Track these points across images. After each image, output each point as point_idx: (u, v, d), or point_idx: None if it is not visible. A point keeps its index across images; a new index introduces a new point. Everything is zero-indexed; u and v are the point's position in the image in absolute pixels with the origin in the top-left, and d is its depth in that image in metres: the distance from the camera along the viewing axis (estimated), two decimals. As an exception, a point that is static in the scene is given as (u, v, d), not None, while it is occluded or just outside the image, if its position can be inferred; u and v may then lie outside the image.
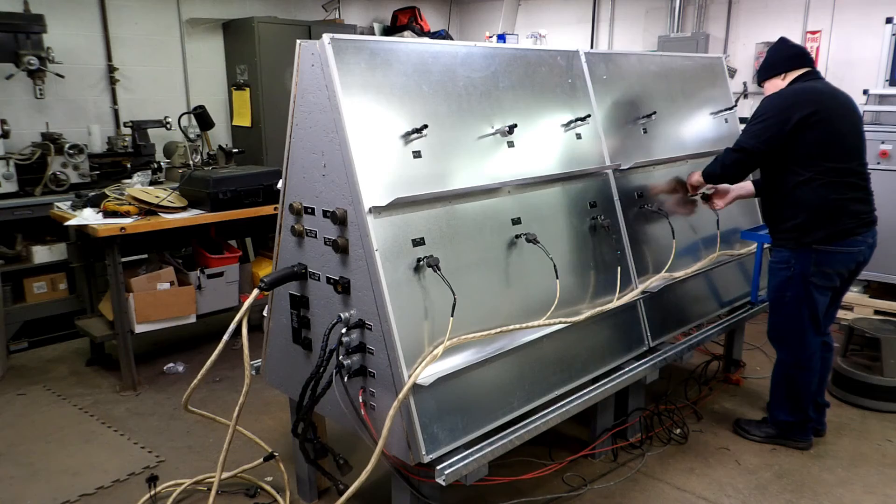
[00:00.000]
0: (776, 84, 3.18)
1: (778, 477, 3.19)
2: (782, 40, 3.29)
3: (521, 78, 2.84)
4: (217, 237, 4.71)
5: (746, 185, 3.53)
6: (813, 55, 5.72)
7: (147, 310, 4.12)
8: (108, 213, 3.99)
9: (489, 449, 2.32)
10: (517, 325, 2.52)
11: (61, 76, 5.05)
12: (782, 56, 3.20)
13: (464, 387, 2.37)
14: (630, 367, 3.03)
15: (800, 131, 2.96)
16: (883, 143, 4.38)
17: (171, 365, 4.42)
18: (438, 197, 2.39)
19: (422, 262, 2.28)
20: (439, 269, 2.28)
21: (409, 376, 2.17)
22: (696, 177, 3.42)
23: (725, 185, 3.51)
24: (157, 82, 5.95)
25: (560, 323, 2.68)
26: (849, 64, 5.56)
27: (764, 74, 3.26)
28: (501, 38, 7.07)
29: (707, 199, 3.58)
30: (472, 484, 2.31)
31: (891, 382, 3.77)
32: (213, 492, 2.70)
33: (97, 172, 5.10)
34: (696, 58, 4.20)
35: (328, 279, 2.41)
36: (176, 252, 4.86)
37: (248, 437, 3.10)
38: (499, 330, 2.47)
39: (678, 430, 3.51)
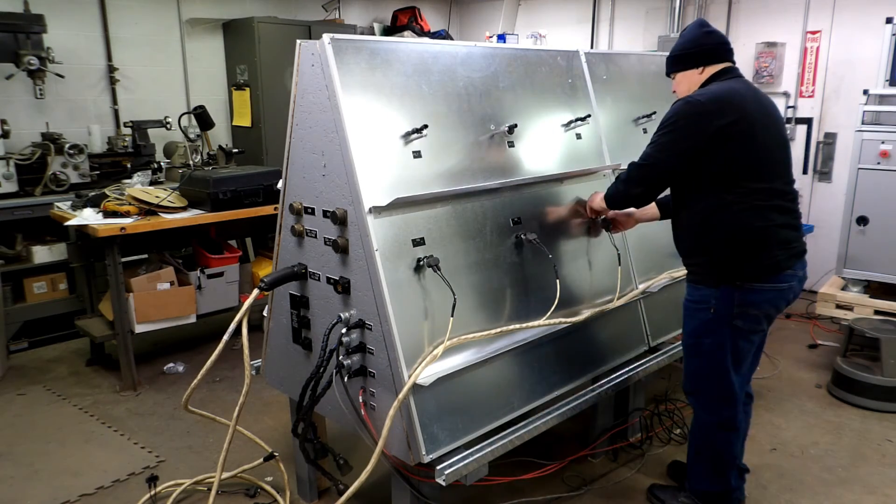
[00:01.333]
0: (690, 79, 2.62)
1: (778, 477, 3.18)
2: (701, 24, 2.66)
3: (521, 78, 2.84)
4: (217, 237, 4.71)
5: (649, 209, 2.94)
6: (813, 55, 5.73)
7: (147, 310, 4.12)
8: (108, 213, 3.99)
9: (489, 449, 2.32)
10: (517, 325, 2.53)
11: (61, 76, 5.05)
12: (702, 45, 2.60)
13: (464, 387, 2.37)
14: (630, 367, 3.03)
15: (720, 144, 2.38)
16: (883, 143, 4.38)
17: (171, 365, 4.42)
18: (438, 197, 2.39)
19: (422, 262, 2.28)
20: (439, 269, 2.28)
21: (409, 376, 2.17)
22: (598, 200, 2.83)
23: (626, 210, 2.92)
24: (157, 82, 5.95)
25: (560, 323, 2.68)
26: (849, 64, 5.56)
27: (676, 65, 2.68)
28: (501, 38, 7.06)
29: (608, 225, 3.00)
30: (472, 484, 2.30)
31: (891, 382, 3.77)
32: (213, 492, 2.70)
33: (97, 172, 5.09)
34: (696, 58, 4.19)
35: (328, 279, 2.41)
36: (176, 252, 4.85)
37: (248, 437, 3.10)
38: (499, 330, 2.47)
39: (678, 430, 3.51)
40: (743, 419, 2.77)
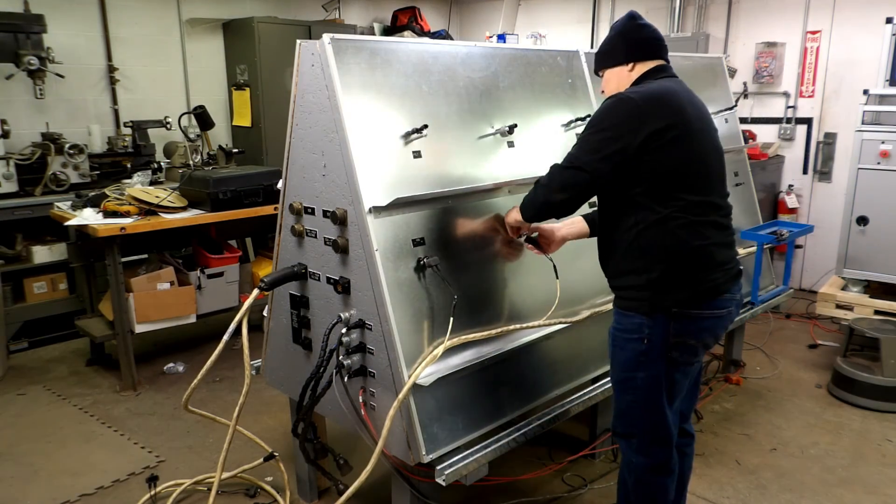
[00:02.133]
0: (620, 77, 2.33)
1: (778, 477, 3.19)
2: (633, 16, 2.36)
3: (521, 78, 2.84)
4: (217, 237, 4.71)
5: (577, 223, 2.60)
6: (813, 55, 5.73)
7: (147, 310, 4.12)
8: (108, 213, 3.99)
9: (489, 449, 2.32)
10: (517, 325, 2.52)
11: (61, 76, 5.05)
12: (633, 39, 2.33)
13: (464, 387, 2.37)
14: (630, 367, 3.03)
15: (652, 151, 2.09)
16: (883, 143, 4.38)
17: (171, 365, 4.42)
18: (438, 197, 2.39)
19: (422, 262, 2.28)
20: (439, 269, 2.28)
21: (409, 376, 2.17)
22: (515, 213, 2.42)
23: (551, 224, 2.56)
24: (157, 82, 5.95)
25: (560, 323, 2.68)
26: (849, 64, 5.56)
27: (604, 61, 2.39)
28: (501, 38, 7.05)
29: (534, 243, 2.57)
30: (472, 484, 2.30)
31: (891, 382, 3.77)
32: (213, 492, 2.70)
33: (97, 172, 5.09)
34: (696, 58, 4.20)
35: (328, 279, 2.41)
36: (176, 252, 4.86)
37: (248, 437, 3.10)
38: (499, 330, 2.47)
39: (678, 430, 3.51)
40: (678, 461, 2.42)
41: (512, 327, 2.51)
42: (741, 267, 2.34)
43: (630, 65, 2.32)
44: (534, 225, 2.52)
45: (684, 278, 2.16)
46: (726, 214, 2.30)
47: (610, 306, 2.92)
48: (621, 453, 2.43)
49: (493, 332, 2.45)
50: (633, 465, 2.36)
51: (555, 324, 2.65)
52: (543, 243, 2.58)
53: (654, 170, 2.12)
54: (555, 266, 2.63)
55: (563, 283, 2.74)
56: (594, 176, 2.13)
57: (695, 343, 2.23)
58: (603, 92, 2.39)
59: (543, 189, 2.24)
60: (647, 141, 2.09)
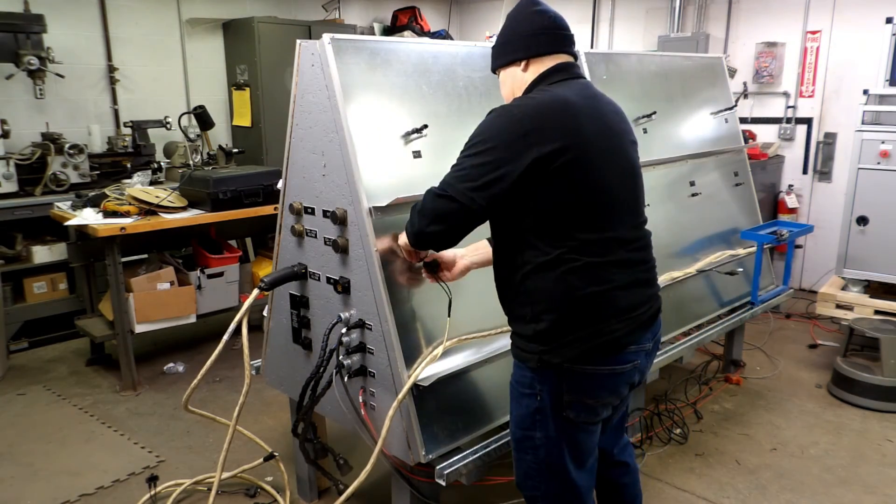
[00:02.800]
0: (514, 79, 1.98)
1: (778, 477, 3.19)
2: (531, 3, 1.94)
3: (521, 78, 2.83)
4: (217, 237, 4.71)
5: (482, 249, 2.22)
6: (813, 55, 5.73)
7: (147, 310, 4.12)
8: (108, 213, 3.99)
9: (489, 449, 2.32)
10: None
11: (61, 76, 5.05)
12: (526, 30, 1.92)
13: (464, 387, 2.37)
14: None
15: (541, 180, 1.75)
16: (883, 143, 4.38)
17: (171, 365, 4.42)
18: (438, 197, 2.38)
19: (421, 262, 2.28)
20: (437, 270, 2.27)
21: (409, 376, 2.17)
22: (404, 239, 2.04)
23: (453, 250, 2.16)
24: (157, 82, 5.95)
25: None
26: (849, 64, 5.56)
27: (497, 58, 2.02)
28: (501, 38, 7.05)
29: (433, 270, 2.18)
30: (472, 484, 2.31)
31: (891, 382, 3.77)
32: (213, 492, 2.70)
33: (97, 172, 5.09)
34: (696, 58, 4.20)
35: (328, 279, 2.41)
36: (176, 252, 4.85)
37: (248, 437, 3.10)
38: (499, 330, 2.47)
39: (678, 430, 3.51)
40: None
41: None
42: (659, 305, 2.00)
43: (523, 63, 1.94)
44: (431, 252, 2.12)
45: (576, 331, 1.81)
46: (641, 247, 1.93)
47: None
48: None
49: (494, 332, 2.45)
50: None
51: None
52: (444, 271, 2.18)
53: (542, 204, 1.76)
54: (450, 300, 2.20)
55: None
56: (468, 209, 1.77)
57: (592, 402, 1.89)
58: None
59: (418, 217, 1.86)
60: (532, 169, 1.73)
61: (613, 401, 1.97)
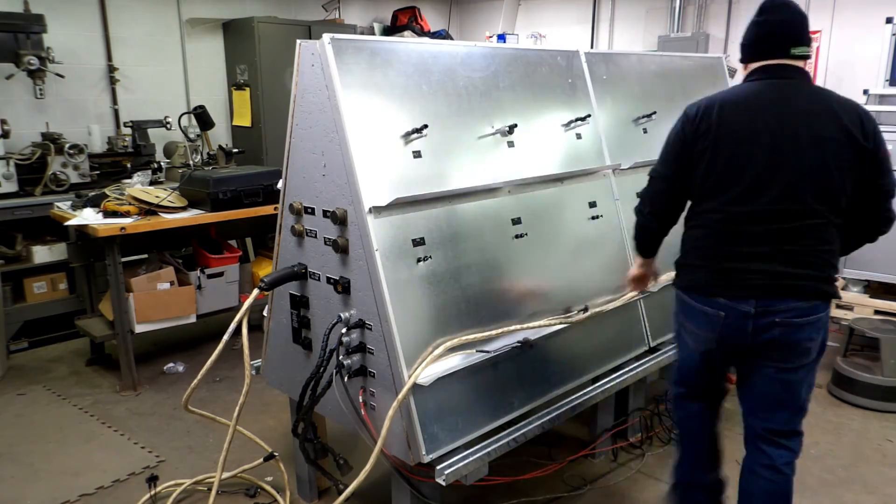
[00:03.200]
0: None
1: (778, 477, 3.18)
2: (760, 9, 2.34)
3: (521, 78, 2.84)
4: (217, 237, 4.71)
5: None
6: (813, 55, 5.72)
7: (147, 310, 4.12)
8: (108, 213, 3.99)
9: (489, 449, 2.32)
10: (517, 326, 2.52)
11: (61, 76, 5.05)
12: (750, 35, 2.33)
13: (464, 386, 2.37)
14: (630, 367, 3.03)
15: (698, 158, 2.22)
16: (883, 143, 4.38)
17: (171, 365, 4.42)
18: (438, 197, 2.39)
19: (422, 262, 2.28)
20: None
21: (409, 376, 2.17)
22: (632, 270, 2.70)
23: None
24: (157, 82, 5.95)
25: (560, 323, 2.68)
26: (849, 64, 5.56)
27: (742, 55, 2.40)
28: (501, 38, 7.07)
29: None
30: (472, 484, 2.31)
31: (891, 382, 3.77)
32: (213, 492, 2.70)
33: (97, 172, 5.09)
34: (696, 58, 4.20)
35: (328, 279, 2.41)
36: (176, 252, 4.85)
37: (248, 437, 3.10)
38: (500, 331, 2.47)
39: (678, 430, 3.50)
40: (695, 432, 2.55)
41: (512, 328, 2.51)
42: (793, 284, 2.16)
43: (745, 65, 2.33)
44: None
45: (690, 262, 2.33)
46: (778, 233, 2.13)
47: (609, 306, 2.93)
48: (787, 454, 2.32)
49: (494, 332, 2.45)
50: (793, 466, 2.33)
51: (555, 324, 2.65)
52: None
53: (697, 173, 2.27)
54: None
55: (563, 283, 2.74)
56: (664, 181, 2.38)
57: (693, 329, 2.35)
58: None
59: (637, 209, 2.45)
60: (691, 147, 2.23)
61: (705, 336, 2.28)
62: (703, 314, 2.25)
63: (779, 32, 2.22)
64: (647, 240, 2.51)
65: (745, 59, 2.31)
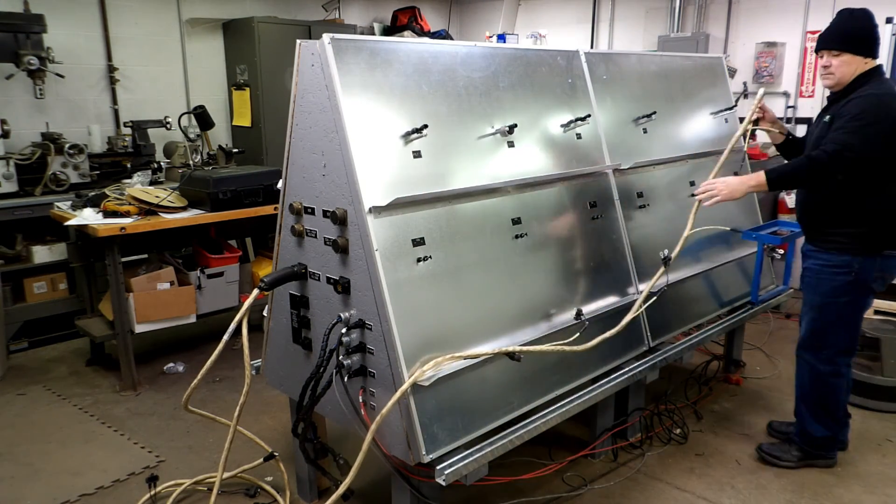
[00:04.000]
0: (855, 64, 2.85)
1: (778, 477, 3.18)
2: (867, 11, 2.89)
3: (521, 78, 2.84)
4: (217, 237, 4.71)
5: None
6: (813, 55, 5.72)
7: (147, 310, 4.12)
8: (108, 213, 3.99)
9: (489, 449, 2.32)
10: (515, 347, 2.48)
11: (61, 76, 5.05)
12: (873, 36, 2.89)
13: (464, 387, 2.37)
14: (630, 367, 3.03)
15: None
16: (883, 143, 4.37)
17: (171, 365, 4.42)
18: (438, 197, 2.39)
19: (422, 262, 2.28)
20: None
21: (409, 376, 2.17)
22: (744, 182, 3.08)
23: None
24: (157, 82, 5.95)
25: (559, 346, 2.67)
26: (849, 64, 5.56)
27: (849, 45, 2.88)
28: (501, 38, 7.06)
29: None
30: (472, 484, 2.31)
31: (891, 382, 3.77)
32: (213, 492, 2.70)
33: (97, 172, 5.10)
34: (696, 58, 4.20)
35: (328, 279, 2.41)
36: (176, 252, 4.85)
37: (248, 437, 3.10)
38: (494, 352, 2.46)
39: (678, 430, 3.51)
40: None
41: (509, 348, 2.49)
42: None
43: (867, 59, 2.87)
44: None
45: (892, 230, 2.94)
46: None
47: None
48: (803, 366, 3.16)
49: (490, 352, 2.39)
50: (818, 374, 3.08)
51: (554, 348, 2.65)
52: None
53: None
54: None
55: (563, 284, 2.74)
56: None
57: (888, 276, 3.00)
58: (828, 69, 2.91)
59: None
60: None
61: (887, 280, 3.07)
62: None
63: None
64: (808, 183, 2.98)
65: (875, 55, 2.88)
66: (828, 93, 3.05)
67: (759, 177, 2.96)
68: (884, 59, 4.64)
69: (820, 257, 3.01)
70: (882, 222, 2.87)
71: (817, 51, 2.99)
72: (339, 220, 2.28)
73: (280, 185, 2.58)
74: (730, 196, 3.03)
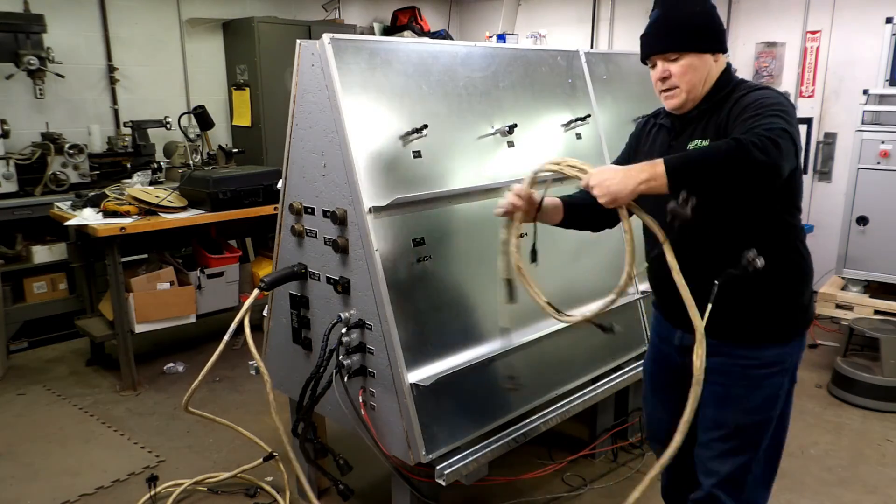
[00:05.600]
0: (705, 66, 1.99)
1: (778, 477, 3.18)
2: None
3: (521, 78, 2.84)
4: (217, 237, 4.71)
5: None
6: (813, 55, 5.73)
7: (147, 310, 4.12)
8: (108, 213, 3.99)
9: (489, 449, 2.32)
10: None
11: (61, 76, 5.05)
12: (717, 21, 1.99)
13: (464, 387, 2.37)
14: (630, 367, 3.03)
15: None
16: (883, 143, 4.38)
17: (171, 365, 4.42)
18: (438, 197, 2.39)
19: (422, 262, 2.28)
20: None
21: (409, 376, 2.17)
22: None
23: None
24: (157, 82, 5.95)
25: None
26: (849, 64, 5.56)
27: (691, 41, 1.96)
28: (501, 37, 7.05)
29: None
30: (472, 484, 2.31)
31: (891, 382, 3.77)
32: (213, 491, 2.69)
33: (97, 172, 5.09)
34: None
35: (328, 279, 2.41)
36: (176, 252, 4.85)
37: (248, 437, 3.10)
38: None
39: (678, 430, 3.51)
40: None
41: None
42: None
43: (718, 55, 2.01)
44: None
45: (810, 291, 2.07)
46: None
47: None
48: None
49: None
50: None
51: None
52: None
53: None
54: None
55: (563, 284, 2.74)
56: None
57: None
58: None
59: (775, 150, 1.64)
60: None
61: None
62: None
63: None
64: (724, 178, 1.70)
65: None
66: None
67: (656, 167, 1.73)
68: (884, 58, 4.63)
69: (747, 353, 1.97)
70: (807, 283, 1.99)
71: (645, 59, 2.06)
72: (339, 220, 2.28)
73: (280, 185, 2.58)
74: (614, 199, 1.83)
